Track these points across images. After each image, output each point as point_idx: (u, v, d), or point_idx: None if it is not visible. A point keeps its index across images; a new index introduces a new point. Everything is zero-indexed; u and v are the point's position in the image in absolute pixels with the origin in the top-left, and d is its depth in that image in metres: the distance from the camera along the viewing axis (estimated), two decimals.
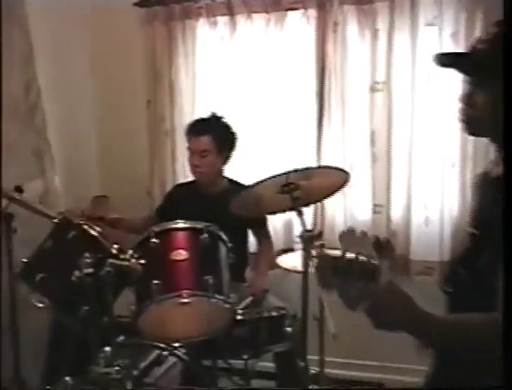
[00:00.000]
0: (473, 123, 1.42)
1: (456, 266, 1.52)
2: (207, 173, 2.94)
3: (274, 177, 2.24)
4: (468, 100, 1.40)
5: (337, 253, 1.13)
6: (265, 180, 2.25)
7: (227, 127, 2.97)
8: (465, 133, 1.45)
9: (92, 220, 2.43)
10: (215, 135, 2.90)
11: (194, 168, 2.95)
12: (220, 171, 3.01)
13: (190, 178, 3.28)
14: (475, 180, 1.63)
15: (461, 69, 1.43)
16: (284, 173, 2.23)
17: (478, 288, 1.40)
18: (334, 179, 2.42)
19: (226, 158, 2.97)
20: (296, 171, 2.25)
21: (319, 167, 2.98)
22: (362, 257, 1.13)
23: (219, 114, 2.98)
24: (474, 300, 1.37)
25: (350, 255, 1.13)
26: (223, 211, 2.34)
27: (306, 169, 2.37)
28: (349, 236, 1.18)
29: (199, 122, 2.98)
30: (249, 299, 2.58)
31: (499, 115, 1.34)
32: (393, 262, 3.25)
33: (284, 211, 2.50)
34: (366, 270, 1.12)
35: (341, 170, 2.50)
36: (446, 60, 1.46)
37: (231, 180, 3.05)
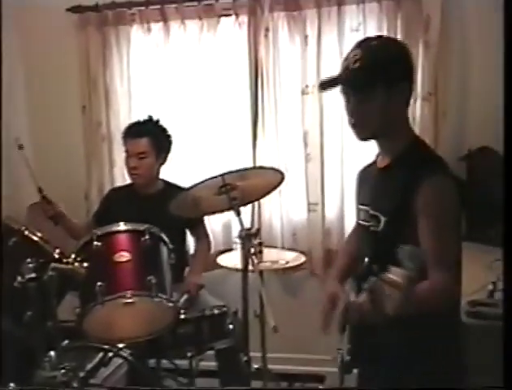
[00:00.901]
0: (361, 131, 1.71)
1: (373, 246, 1.76)
2: (144, 175, 3.00)
3: (210, 179, 2.28)
4: (354, 113, 1.69)
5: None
6: (202, 182, 2.28)
7: (163, 130, 3.04)
8: (357, 139, 1.73)
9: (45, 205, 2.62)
10: (152, 137, 2.97)
11: (132, 170, 3.00)
12: (157, 173, 3.07)
13: (129, 182, 3.33)
14: (360, 172, 1.97)
15: (341, 88, 1.70)
16: (220, 175, 2.28)
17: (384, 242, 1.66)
18: (269, 179, 2.49)
19: (162, 160, 3.04)
20: (231, 172, 2.31)
21: (254, 168, 3.07)
22: None
23: (155, 117, 3.04)
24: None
25: None
26: (160, 212, 2.39)
27: (242, 170, 2.45)
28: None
29: (136, 125, 3.03)
30: (185, 296, 2.63)
31: (379, 121, 1.66)
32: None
33: (222, 211, 2.55)
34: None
35: (276, 170, 2.58)
36: (326, 85, 1.74)
37: (167, 182, 3.11)
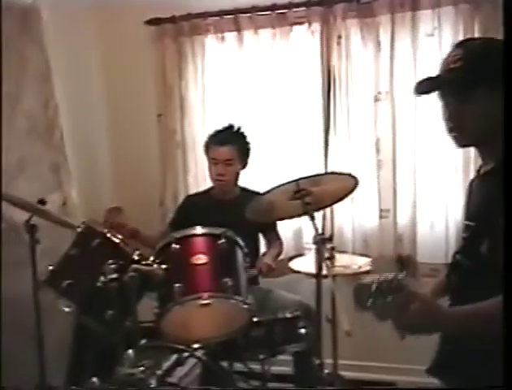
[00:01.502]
0: (461, 137, 1.59)
1: (457, 257, 1.66)
2: (230, 181, 3.09)
3: (285, 184, 2.33)
4: (453, 117, 1.57)
5: (369, 279, 1.30)
6: (276, 188, 2.33)
7: (244, 137, 3.14)
8: (456, 146, 1.62)
9: (114, 227, 2.54)
10: (237, 144, 3.07)
11: (218, 177, 3.08)
12: (237, 179, 3.14)
13: (202, 189, 3.42)
14: (469, 184, 1.78)
15: (440, 91, 1.59)
16: (295, 180, 2.32)
17: (478, 275, 1.52)
18: (343, 185, 2.51)
19: (244, 166, 3.11)
20: (306, 177, 2.35)
21: (328, 173, 3.09)
22: (388, 275, 1.29)
23: (236, 125, 3.13)
24: (477, 285, 1.49)
25: (379, 277, 1.30)
26: (236, 218, 2.45)
27: (316, 175, 2.48)
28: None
29: (222, 132, 3.12)
30: (255, 271, 2.67)
31: (482, 125, 1.54)
32: (416, 273, 3.37)
33: (295, 217, 2.58)
34: (393, 286, 1.27)
35: (350, 175, 2.59)
36: (425, 87, 1.62)
37: (243, 188, 3.18)
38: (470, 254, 1.60)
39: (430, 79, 1.61)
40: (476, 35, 3.06)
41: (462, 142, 1.61)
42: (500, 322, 1.36)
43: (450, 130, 1.60)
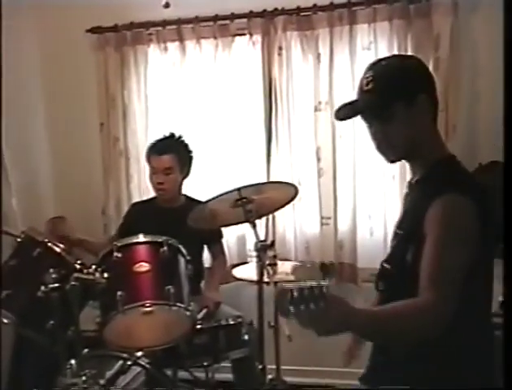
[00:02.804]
0: (388, 153, 1.65)
1: (383, 265, 1.71)
2: (170, 190, 3.09)
3: (227, 193, 2.35)
4: (377, 137, 1.63)
5: (291, 285, 1.28)
6: (219, 196, 2.36)
7: (186, 146, 3.14)
8: (387, 161, 1.68)
9: (57, 239, 2.51)
10: (177, 153, 3.06)
11: (158, 186, 3.08)
12: (180, 188, 3.16)
13: (144, 197, 3.42)
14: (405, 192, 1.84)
15: (360, 114, 1.65)
16: (237, 189, 2.35)
17: (404, 282, 1.56)
18: (284, 193, 2.55)
19: (185, 175, 3.13)
20: (248, 186, 2.39)
21: (269, 182, 3.15)
22: (311, 283, 1.28)
23: (177, 134, 3.14)
24: (402, 293, 1.51)
25: (302, 284, 1.28)
26: (181, 226, 2.47)
27: (258, 184, 2.53)
28: (300, 269, 1.37)
29: (161, 141, 3.11)
30: (204, 311, 2.67)
31: (405, 141, 1.60)
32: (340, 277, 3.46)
33: (237, 223, 2.62)
34: (315, 292, 1.26)
35: (291, 184, 2.66)
36: (344, 114, 1.68)
37: (188, 197, 3.19)
38: (395, 262, 1.65)
39: (348, 104, 1.67)
40: (409, 49, 3.21)
41: (390, 158, 1.67)
42: (420, 324, 1.42)
43: (377, 148, 1.66)
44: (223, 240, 3.34)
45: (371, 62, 1.71)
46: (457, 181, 1.58)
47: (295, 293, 1.26)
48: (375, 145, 1.66)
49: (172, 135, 3.12)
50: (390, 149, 1.64)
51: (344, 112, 1.68)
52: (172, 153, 3.05)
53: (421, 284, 1.46)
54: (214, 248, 3.29)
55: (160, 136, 3.16)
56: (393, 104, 1.57)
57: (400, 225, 1.71)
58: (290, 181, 3.16)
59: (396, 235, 1.72)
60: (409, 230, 1.62)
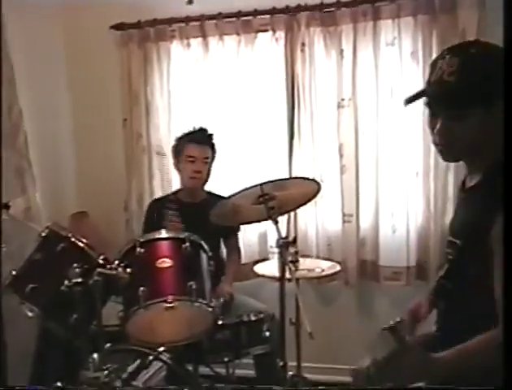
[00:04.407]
0: (448, 153, 1.52)
1: (442, 280, 1.60)
2: (204, 179, 3.14)
3: (250, 188, 2.34)
4: (441, 132, 1.47)
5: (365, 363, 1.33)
6: (241, 191, 2.35)
7: (214, 142, 3.20)
8: (443, 160, 1.56)
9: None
10: (213, 145, 3.15)
11: (195, 174, 3.11)
12: (207, 181, 3.18)
13: (167, 192, 3.43)
14: (457, 194, 1.71)
15: (429, 101, 1.49)
16: (259, 184, 2.34)
17: (467, 300, 1.47)
18: (306, 190, 2.55)
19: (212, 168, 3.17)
20: (270, 182, 2.37)
21: (292, 178, 3.14)
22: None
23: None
24: (464, 312, 1.46)
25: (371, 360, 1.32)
26: (202, 221, 2.49)
27: (280, 180, 2.52)
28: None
29: (200, 132, 3.16)
30: (221, 300, 2.67)
31: (471, 142, 1.45)
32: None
33: (259, 221, 2.61)
34: (391, 361, 1.29)
35: (313, 180, 2.64)
36: (413, 100, 1.52)
37: (209, 192, 3.21)
38: (456, 277, 1.54)
39: (421, 93, 1.52)
40: (434, 45, 3.18)
41: (448, 157, 1.55)
42: (491, 356, 1.32)
43: (436, 144, 1.51)
44: (240, 235, 3.36)
45: (456, 45, 1.52)
46: None
47: (371, 371, 1.31)
48: (436, 140, 1.50)
49: (205, 129, 3.17)
50: (452, 149, 1.50)
51: (414, 98, 1.52)
52: (210, 144, 3.14)
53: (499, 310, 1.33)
54: (229, 241, 3.31)
55: (192, 128, 3.18)
56: (473, 105, 1.41)
57: (456, 234, 1.56)
58: (312, 177, 3.15)
59: (452, 244, 1.56)
60: (470, 241, 1.47)
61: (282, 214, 2.61)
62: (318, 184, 2.54)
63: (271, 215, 2.34)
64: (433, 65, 1.49)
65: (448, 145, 1.49)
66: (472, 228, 1.46)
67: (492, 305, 1.34)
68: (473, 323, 1.38)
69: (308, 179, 2.77)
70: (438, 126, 1.47)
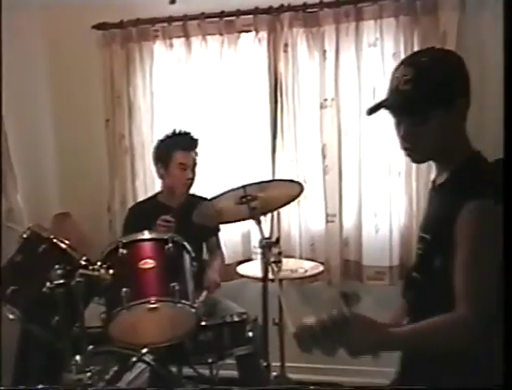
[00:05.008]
0: (415, 155, 1.60)
1: (411, 272, 1.66)
2: (193, 184, 3.11)
3: (232, 190, 2.32)
4: (406, 137, 1.56)
5: (311, 321, 1.31)
6: (223, 194, 2.33)
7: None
8: (413, 162, 1.64)
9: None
10: (196, 149, 3.11)
11: (187, 181, 3.09)
12: None
13: (150, 193, 3.42)
14: (429, 191, 1.76)
15: (392, 112, 1.58)
16: (242, 186, 2.32)
17: (434, 291, 1.54)
18: (289, 191, 2.54)
19: None
20: (253, 184, 2.36)
21: (275, 180, 3.15)
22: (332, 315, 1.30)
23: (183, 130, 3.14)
24: (432, 302, 1.51)
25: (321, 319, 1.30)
26: (183, 223, 2.49)
27: (263, 182, 2.50)
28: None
29: (187, 137, 3.12)
30: (204, 293, 2.63)
31: (435, 143, 1.54)
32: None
33: (242, 220, 2.61)
34: (338, 323, 1.28)
35: (295, 182, 2.64)
36: (375, 111, 1.60)
37: (191, 194, 3.18)
38: (423, 269, 1.61)
39: (381, 103, 1.58)
40: (416, 46, 3.20)
41: (416, 159, 1.62)
42: (451, 339, 1.40)
43: (404, 148, 1.60)
44: (223, 235, 3.36)
45: (409, 55, 1.64)
46: (484, 183, 1.49)
47: (317, 329, 1.28)
48: (402, 144, 1.59)
49: (189, 132, 3.13)
50: (419, 152, 1.58)
51: (376, 109, 1.60)
52: (196, 148, 3.10)
53: (457, 296, 1.41)
54: (211, 242, 3.30)
55: (175, 132, 3.14)
56: (432, 108, 1.50)
57: (425, 228, 1.65)
58: (295, 178, 3.16)
59: (422, 239, 1.65)
60: (437, 235, 1.56)
61: (265, 214, 2.60)
62: (300, 185, 2.54)
63: (254, 215, 2.34)
64: (391, 76, 1.57)
65: (414, 149, 1.57)
66: (439, 222, 1.55)
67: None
68: (440, 313, 1.43)
69: (290, 180, 2.77)
70: (402, 132, 1.56)
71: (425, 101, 1.49)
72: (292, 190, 2.55)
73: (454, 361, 1.44)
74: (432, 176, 2.87)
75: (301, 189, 2.54)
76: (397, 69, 1.56)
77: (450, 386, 1.49)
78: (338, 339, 1.29)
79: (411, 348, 1.46)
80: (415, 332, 1.43)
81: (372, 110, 1.60)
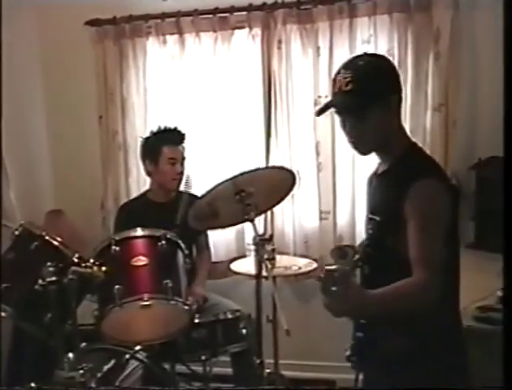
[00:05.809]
0: (360, 147, 1.81)
1: (366, 249, 1.86)
2: (182, 179, 3.08)
3: (221, 184, 2.27)
4: (350, 132, 1.78)
5: (333, 267, 1.46)
6: (214, 188, 2.28)
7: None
8: (359, 154, 1.84)
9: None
10: (183, 144, 3.11)
11: (177, 176, 3.09)
12: None
13: (143, 190, 3.40)
14: (367, 180, 2.02)
15: (335, 110, 1.80)
16: (231, 178, 2.24)
17: (387, 265, 1.74)
18: (282, 180, 2.43)
19: None
20: (242, 174, 2.27)
21: (264, 168, 3.01)
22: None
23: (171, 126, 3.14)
24: (384, 275, 1.67)
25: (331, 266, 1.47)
26: (173, 220, 2.49)
27: (251, 171, 2.36)
28: (336, 251, 1.58)
29: (175, 132, 3.12)
30: (195, 304, 2.62)
31: (376, 137, 1.76)
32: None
33: (237, 223, 2.58)
34: (338, 277, 1.45)
35: (286, 169, 2.52)
36: (323, 111, 1.84)
37: (180, 191, 3.15)
38: (376, 247, 1.81)
39: (328, 104, 1.81)
40: (409, 43, 3.20)
41: (361, 151, 1.83)
42: (418, 300, 1.56)
43: (350, 142, 1.81)
44: (217, 232, 3.36)
45: (348, 60, 1.82)
46: (428, 166, 1.76)
47: (337, 274, 1.45)
48: (348, 139, 1.81)
49: (176, 127, 3.13)
50: (363, 144, 1.80)
51: (324, 110, 1.83)
52: (183, 142, 3.11)
53: (413, 264, 1.60)
54: (199, 241, 3.29)
55: (163, 128, 3.14)
56: (370, 105, 1.71)
57: (375, 211, 1.85)
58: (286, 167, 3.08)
59: (370, 220, 1.87)
60: (387, 216, 1.76)
61: (260, 213, 2.56)
62: (292, 172, 2.42)
63: (248, 212, 2.31)
64: (334, 80, 1.78)
65: (358, 142, 1.79)
66: (388, 205, 1.76)
67: (408, 268, 1.60)
68: (392, 280, 1.59)
69: (280, 167, 2.67)
70: (347, 127, 1.78)
71: (364, 99, 1.70)
72: (285, 177, 2.42)
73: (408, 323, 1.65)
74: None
75: (294, 178, 2.42)
76: (338, 73, 1.77)
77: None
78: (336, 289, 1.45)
79: (381, 310, 1.58)
80: (385, 293, 1.57)
81: (320, 111, 1.84)
